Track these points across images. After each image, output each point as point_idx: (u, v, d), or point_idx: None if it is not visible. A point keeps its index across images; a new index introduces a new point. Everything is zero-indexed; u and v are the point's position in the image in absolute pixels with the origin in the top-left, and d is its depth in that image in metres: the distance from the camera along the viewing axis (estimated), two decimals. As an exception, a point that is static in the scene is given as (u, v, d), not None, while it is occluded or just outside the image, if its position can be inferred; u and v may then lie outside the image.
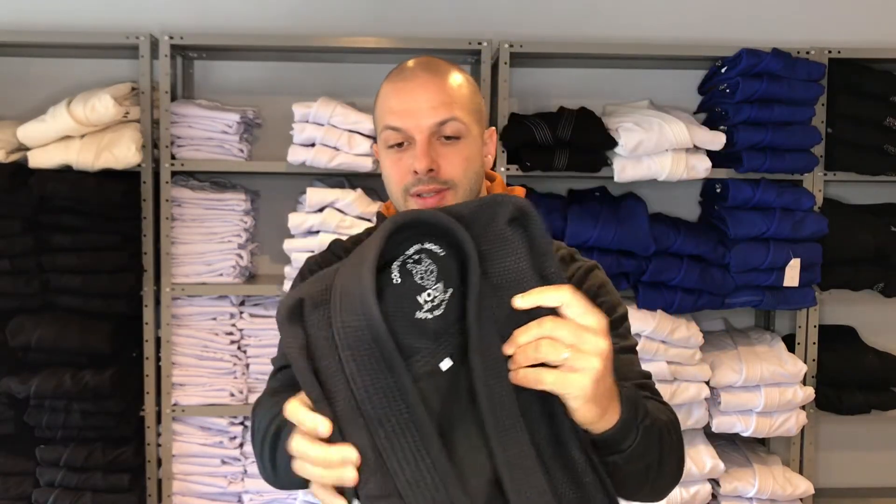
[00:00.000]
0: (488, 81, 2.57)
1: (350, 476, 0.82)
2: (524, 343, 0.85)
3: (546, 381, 0.85)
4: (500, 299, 0.88)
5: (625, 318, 1.19)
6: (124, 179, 2.49)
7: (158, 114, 2.56)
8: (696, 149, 2.56)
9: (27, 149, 2.48)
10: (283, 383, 1.13)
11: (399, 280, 0.87)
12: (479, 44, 2.56)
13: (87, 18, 2.75)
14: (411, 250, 0.88)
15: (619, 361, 1.13)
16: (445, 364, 0.88)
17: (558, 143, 2.50)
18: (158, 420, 2.59)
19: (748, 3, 2.89)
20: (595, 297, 1.16)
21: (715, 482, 2.60)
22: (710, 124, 2.64)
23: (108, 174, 2.46)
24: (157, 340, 2.59)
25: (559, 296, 0.86)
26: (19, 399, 2.42)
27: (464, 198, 1.14)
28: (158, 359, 2.59)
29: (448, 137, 1.14)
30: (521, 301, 0.86)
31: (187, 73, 2.78)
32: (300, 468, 0.86)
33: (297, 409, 0.85)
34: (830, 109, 2.68)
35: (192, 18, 2.77)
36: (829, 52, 2.64)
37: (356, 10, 2.81)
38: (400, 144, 1.16)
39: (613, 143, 2.50)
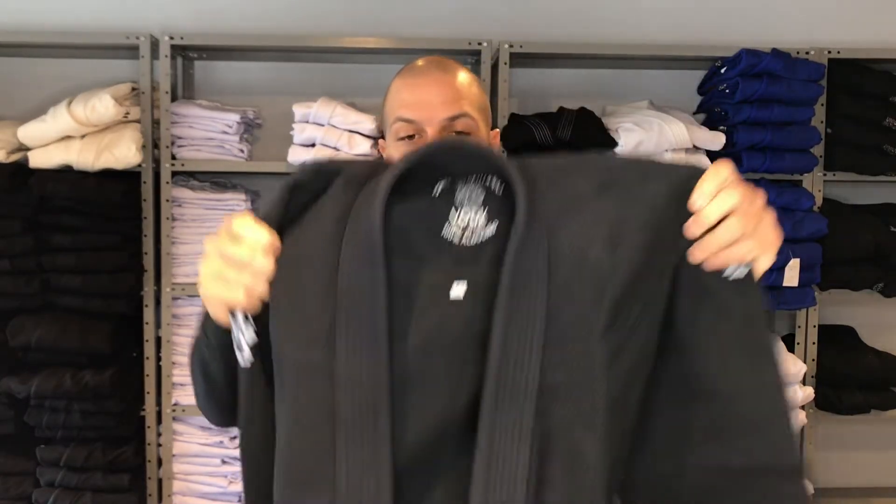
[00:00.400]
0: (488, 82, 2.57)
1: (259, 285, 0.83)
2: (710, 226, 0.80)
3: (743, 253, 0.81)
4: (562, 267, 0.80)
5: None
6: (124, 179, 2.49)
7: (159, 114, 2.56)
8: (696, 149, 2.56)
9: (27, 149, 2.48)
10: None
11: (437, 194, 0.84)
12: (479, 44, 2.56)
13: (88, 19, 2.75)
14: (471, 178, 0.84)
15: None
16: (458, 290, 0.82)
17: (558, 143, 2.50)
18: (159, 420, 2.59)
19: (748, 3, 2.89)
20: None
21: (715, 482, 2.60)
22: (710, 124, 2.64)
23: (108, 174, 2.46)
24: (158, 340, 2.59)
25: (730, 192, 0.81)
26: (19, 399, 2.42)
27: None
28: (159, 359, 2.59)
29: (458, 132, 1.17)
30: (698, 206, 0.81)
31: (187, 73, 2.78)
32: (206, 282, 0.87)
33: (242, 219, 0.87)
34: (830, 109, 2.68)
35: (193, 19, 2.77)
36: (829, 52, 2.64)
37: (356, 10, 2.81)
38: (411, 137, 1.18)
39: (613, 144, 2.51)
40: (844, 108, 2.66)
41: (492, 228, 0.83)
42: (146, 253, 2.54)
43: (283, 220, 0.88)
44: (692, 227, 0.81)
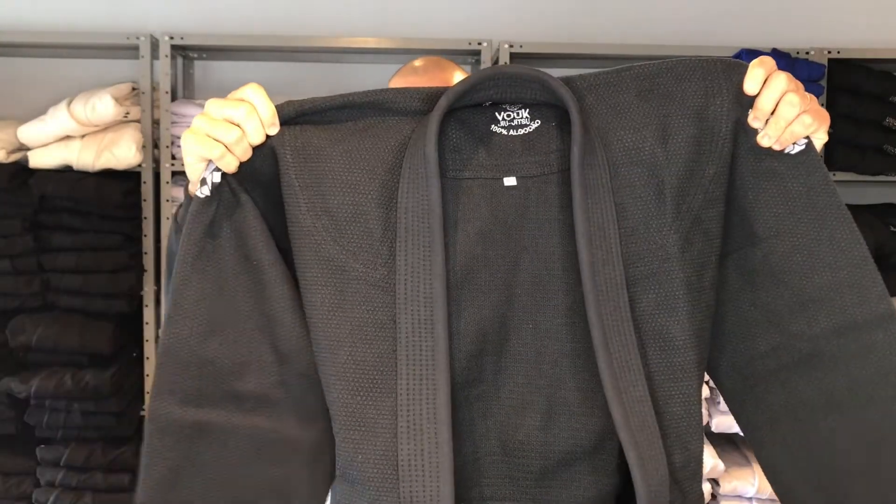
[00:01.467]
0: (488, 81, 2.57)
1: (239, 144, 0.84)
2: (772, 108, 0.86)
3: (806, 125, 0.86)
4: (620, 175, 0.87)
5: None
6: (125, 179, 2.49)
7: (159, 114, 2.56)
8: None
9: (28, 149, 2.48)
10: None
11: (486, 105, 0.90)
12: (479, 44, 2.56)
13: (88, 19, 2.75)
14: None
15: None
16: (510, 180, 0.88)
17: (558, 143, 2.51)
18: (159, 420, 2.59)
19: (748, 3, 2.89)
20: None
21: (714, 482, 2.61)
22: (710, 124, 2.64)
23: (108, 174, 2.46)
24: (158, 340, 2.59)
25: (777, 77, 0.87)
26: (20, 399, 2.42)
27: None
28: (159, 359, 2.59)
29: None
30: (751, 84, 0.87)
31: (188, 73, 2.79)
32: (190, 134, 0.85)
33: (255, 90, 0.87)
34: (830, 109, 2.68)
35: (193, 19, 2.77)
36: (829, 52, 2.64)
37: (356, 10, 2.81)
38: None
39: (613, 144, 2.51)
40: (844, 108, 2.66)
41: (536, 124, 0.90)
42: (146, 253, 2.54)
43: (316, 116, 0.90)
44: (755, 116, 0.87)
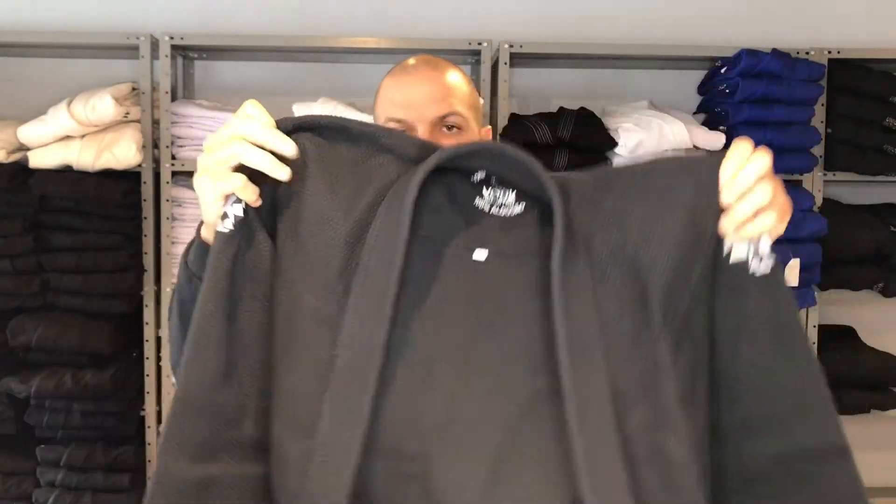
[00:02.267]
0: (488, 82, 2.57)
1: (283, 170, 0.82)
2: (742, 193, 0.83)
3: (770, 223, 0.85)
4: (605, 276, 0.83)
5: None
6: (125, 179, 2.49)
7: (159, 114, 2.56)
8: (696, 149, 2.56)
9: (27, 149, 2.48)
10: None
11: (475, 181, 0.88)
12: (479, 44, 2.56)
13: (88, 19, 2.75)
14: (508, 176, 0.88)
15: None
16: (480, 254, 0.85)
17: (558, 143, 2.51)
18: (159, 420, 2.59)
19: (748, 3, 2.89)
20: None
21: (715, 482, 2.60)
22: (710, 125, 2.64)
23: (108, 174, 2.46)
24: (158, 340, 2.59)
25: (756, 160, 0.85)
26: (20, 399, 2.42)
27: None
28: (159, 359, 2.59)
29: (449, 128, 1.17)
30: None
31: (188, 73, 2.79)
32: (202, 170, 0.84)
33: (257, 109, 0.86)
34: (830, 110, 2.68)
35: (193, 19, 2.77)
36: (829, 52, 2.64)
37: (356, 10, 2.81)
38: None
39: (613, 144, 2.51)
40: (844, 108, 2.66)
41: (520, 208, 0.87)
42: (146, 253, 2.54)
43: (312, 133, 0.88)
44: (724, 195, 0.84)
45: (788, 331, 0.85)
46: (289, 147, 0.83)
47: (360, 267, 0.82)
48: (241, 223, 0.83)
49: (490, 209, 0.87)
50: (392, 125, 1.17)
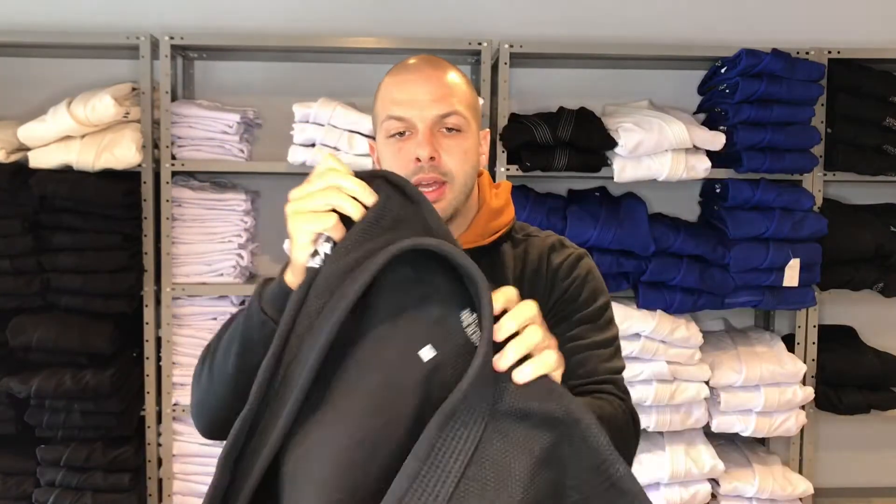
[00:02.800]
0: (488, 82, 2.57)
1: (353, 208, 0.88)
2: (512, 339, 0.83)
3: (549, 363, 0.83)
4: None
5: (605, 307, 1.22)
6: (125, 179, 2.49)
7: (159, 114, 2.56)
8: (696, 149, 2.56)
9: (28, 149, 2.48)
10: None
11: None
12: (479, 44, 2.56)
13: (88, 19, 2.75)
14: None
15: (588, 356, 1.14)
16: (427, 353, 0.83)
17: (558, 143, 2.51)
18: (159, 420, 2.59)
19: (748, 3, 2.89)
20: (583, 283, 1.21)
21: (715, 482, 2.61)
22: (710, 124, 2.64)
23: (108, 174, 2.46)
24: (158, 340, 2.59)
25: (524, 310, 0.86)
26: (20, 399, 2.42)
27: (460, 191, 1.18)
28: (159, 359, 2.59)
29: (449, 129, 1.17)
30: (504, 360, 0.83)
31: (188, 73, 2.79)
32: (295, 215, 0.90)
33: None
34: (830, 110, 2.68)
35: (193, 19, 2.77)
36: (829, 52, 2.64)
37: (356, 10, 2.81)
38: (402, 134, 1.18)
39: (613, 144, 2.51)
40: (844, 108, 2.66)
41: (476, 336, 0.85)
42: (146, 253, 2.54)
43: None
44: (499, 362, 0.83)
45: None
46: (371, 198, 0.90)
47: (283, 365, 0.85)
48: (325, 258, 0.89)
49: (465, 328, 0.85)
50: (392, 123, 1.17)
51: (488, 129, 1.31)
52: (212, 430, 1.08)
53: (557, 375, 0.86)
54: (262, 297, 0.98)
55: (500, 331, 0.83)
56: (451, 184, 1.17)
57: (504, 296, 0.85)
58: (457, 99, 1.18)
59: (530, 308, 0.86)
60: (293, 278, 0.93)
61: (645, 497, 0.81)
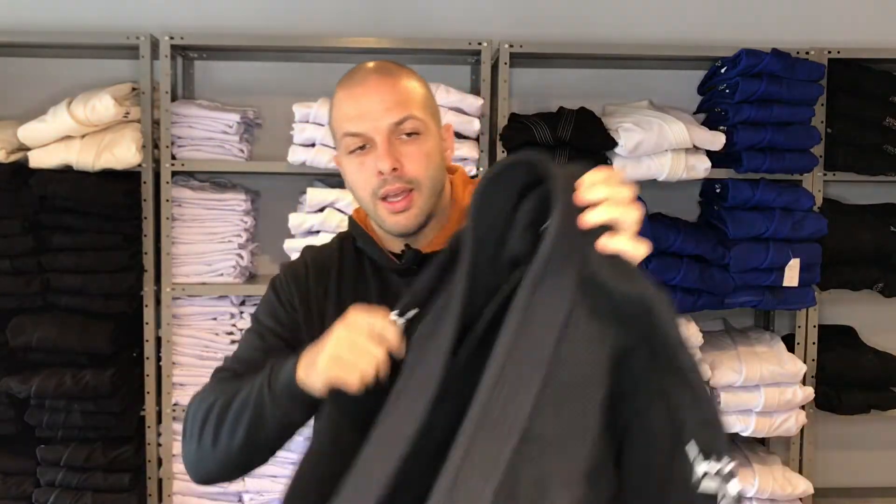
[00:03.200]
0: (488, 82, 2.57)
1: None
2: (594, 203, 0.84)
3: (633, 246, 0.83)
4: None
5: None
6: (125, 179, 2.50)
7: (159, 114, 2.56)
8: (696, 149, 2.56)
9: (28, 149, 2.48)
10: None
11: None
12: (479, 44, 2.56)
13: (88, 19, 2.75)
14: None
15: None
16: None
17: (558, 143, 2.51)
18: (159, 420, 2.59)
19: (748, 3, 2.89)
20: None
21: (715, 482, 2.60)
22: (710, 124, 2.64)
23: (108, 174, 2.46)
24: (158, 340, 2.59)
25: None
26: (20, 399, 2.43)
27: (429, 195, 1.18)
28: (159, 359, 2.59)
29: (408, 135, 1.16)
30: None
31: (188, 73, 2.79)
32: (332, 360, 0.96)
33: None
34: (830, 110, 2.68)
35: (193, 19, 2.77)
36: (829, 52, 2.64)
37: (356, 10, 2.81)
38: (361, 148, 1.16)
39: (613, 144, 2.51)
40: (844, 108, 2.66)
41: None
42: (146, 253, 2.54)
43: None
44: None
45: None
46: (402, 353, 0.96)
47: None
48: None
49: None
50: (350, 140, 1.17)
51: (451, 124, 1.29)
52: (207, 483, 1.17)
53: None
54: (272, 385, 1.05)
55: (589, 190, 0.83)
56: (418, 190, 1.16)
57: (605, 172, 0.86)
58: (410, 102, 1.17)
59: (627, 189, 0.86)
60: (306, 378, 1.00)
61: (705, 391, 0.81)
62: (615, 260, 0.82)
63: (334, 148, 1.28)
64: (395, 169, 1.14)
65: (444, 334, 0.87)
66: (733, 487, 0.79)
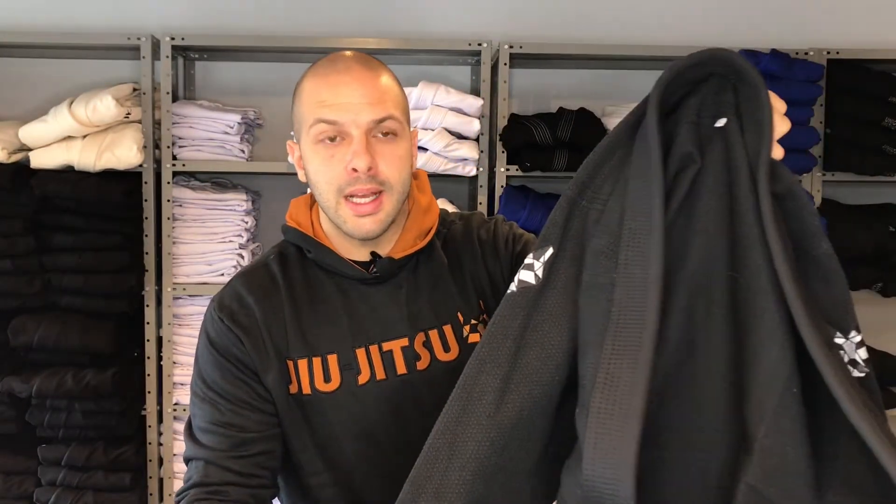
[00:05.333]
0: (488, 82, 2.58)
1: None
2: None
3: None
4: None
5: None
6: (126, 180, 2.50)
7: (160, 114, 2.57)
8: (696, 149, 2.56)
9: (29, 149, 2.49)
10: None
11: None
12: (479, 44, 2.56)
13: (89, 19, 2.76)
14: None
15: None
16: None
17: (558, 143, 2.51)
18: (160, 419, 2.60)
19: (747, 4, 2.90)
20: (518, 236, 1.21)
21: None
22: (710, 125, 2.64)
23: (109, 174, 2.47)
24: (159, 340, 2.60)
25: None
26: (21, 398, 2.43)
27: (397, 200, 1.11)
28: (160, 358, 2.60)
29: (385, 134, 1.09)
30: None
31: (188, 73, 2.79)
32: None
33: None
34: (829, 110, 2.68)
35: (193, 19, 2.78)
36: (828, 52, 2.65)
37: (356, 10, 2.82)
38: (332, 139, 1.08)
39: (613, 144, 2.51)
40: (843, 109, 2.67)
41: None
42: (147, 253, 2.55)
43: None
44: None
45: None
46: None
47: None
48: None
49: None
50: (322, 127, 1.08)
51: (417, 129, 1.23)
52: None
53: None
54: None
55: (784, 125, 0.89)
56: (388, 192, 1.09)
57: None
58: (392, 102, 1.10)
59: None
60: None
61: (839, 274, 0.84)
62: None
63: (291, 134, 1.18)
64: (370, 168, 1.06)
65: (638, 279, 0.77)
66: (862, 353, 0.83)
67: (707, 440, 0.77)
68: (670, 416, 0.77)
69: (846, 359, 0.82)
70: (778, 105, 0.88)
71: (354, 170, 1.06)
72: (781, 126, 0.87)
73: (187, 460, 1.12)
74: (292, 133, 1.20)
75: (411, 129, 1.18)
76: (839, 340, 0.82)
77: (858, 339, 0.83)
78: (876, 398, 0.81)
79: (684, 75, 0.86)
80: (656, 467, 0.77)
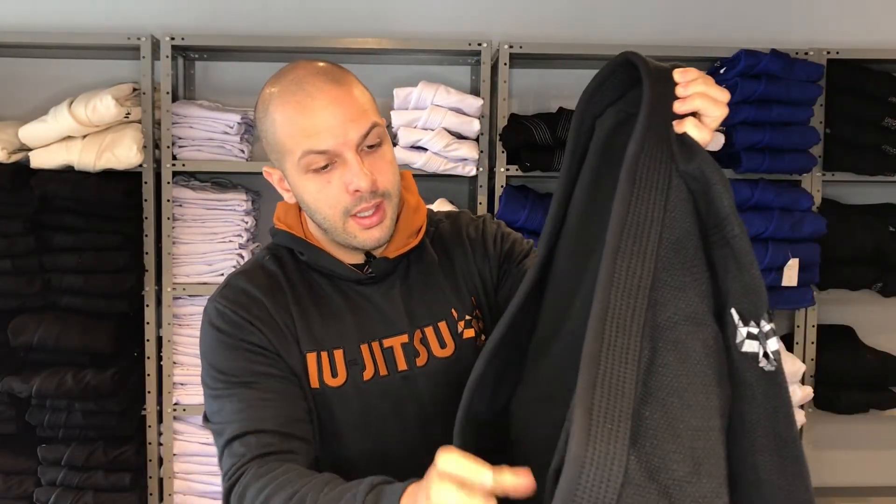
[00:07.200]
0: (488, 82, 2.58)
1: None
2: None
3: (692, 127, 0.85)
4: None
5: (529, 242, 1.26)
6: (126, 180, 2.50)
7: (160, 114, 2.57)
8: (696, 149, 2.56)
9: (29, 149, 2.49)
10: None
11: None
12: (479, 44, 2.57)
13: (89, 19, 2.76)
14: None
15: None
16: None
17: (558, 143, 2.51)
18: (160, 419, 2.60)
19: (747, 4, 2.90)
20: (507, 234, 1.25)
21: (714, 481, 2.61)
22: (710, 125, 2.64)
23: (109, 174, 2.47)
24: (159, 340, 2.60)
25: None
26: (21, 398, 2.43)
27: (395, 203, 1.11)
28: (160, 358, 2.60)
29: (371, 146, 1.08)
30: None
31: (188, 73, 2.79)
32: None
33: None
34: (829, 110, 2.69)
35: (193, 19, 2.78)
36: (828, 52, 2.65)
37: (356, 10, 2.82)
38: (324, 167, 1.06)
39: (613, 144, 2.51)
40: (843, 109, 2.67)
41: None
42: (147, 253, 2.55)
43: None
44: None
45: (782, 436, 0.81)
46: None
47: None
48: None
49: None
50: (314, 158, 1.05)
51: (383, 119, 1.22)
52: None
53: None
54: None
55: (688, 83, 0.86)
56: (387, 200, 1.10)
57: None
58: (369, 110, 1.08)
59: (720, 92, 0.87)
60: None
61: (751, 259, 0.82)
62: (682, 138, 0.86)
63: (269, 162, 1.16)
64: (371, 184, 1.06)
65: None
66: (772, 344, 0.80)
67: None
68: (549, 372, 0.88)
69: (755, 348, 0.81)
70: (715, 93, 0.87)
71: (357, 190, 1.06)
72: (714, 111, 0.86)
73: (225, 444, 1.05)
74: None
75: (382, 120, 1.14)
76: (744, 331, 0.81)
77: (768, 327, 0.81)
78: (783, 395, 0.80)
79: (605, 85, 0.94)
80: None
